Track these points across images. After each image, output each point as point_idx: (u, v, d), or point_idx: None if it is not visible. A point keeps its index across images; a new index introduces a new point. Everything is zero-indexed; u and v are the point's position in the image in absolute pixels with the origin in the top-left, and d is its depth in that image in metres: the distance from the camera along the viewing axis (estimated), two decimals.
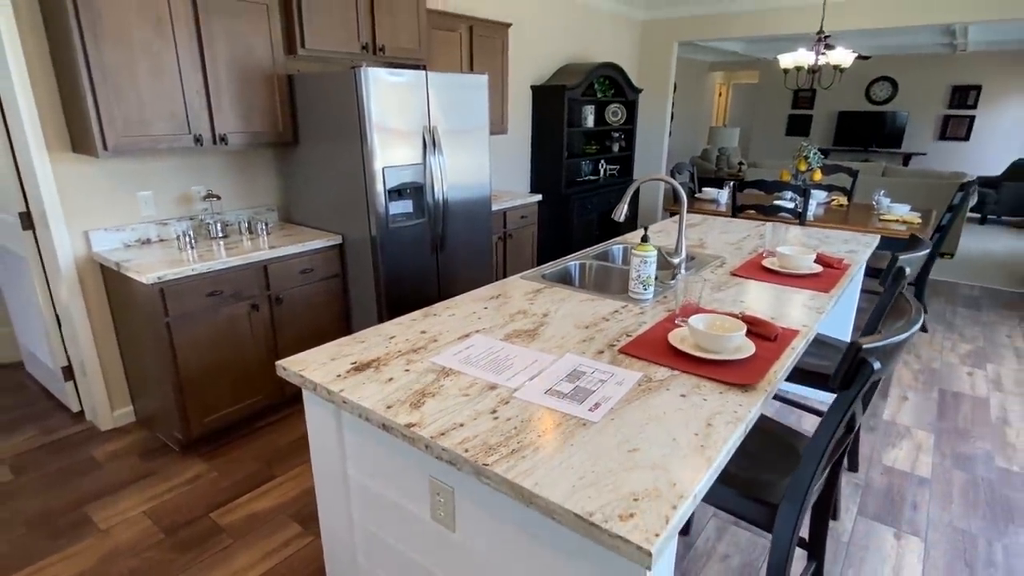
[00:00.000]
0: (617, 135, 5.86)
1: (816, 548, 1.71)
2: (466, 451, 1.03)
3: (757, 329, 1.53)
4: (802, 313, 1.74)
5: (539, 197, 4.33)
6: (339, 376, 1.32)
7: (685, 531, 2.11)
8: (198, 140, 2.54)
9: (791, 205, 3.70)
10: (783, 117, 10.59)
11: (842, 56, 4.57)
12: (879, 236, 2.86)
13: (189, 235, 2.64)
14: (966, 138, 9.05)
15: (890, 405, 3.02)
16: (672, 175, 4.86)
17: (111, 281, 2.59)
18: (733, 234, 2.83)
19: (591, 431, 1.09)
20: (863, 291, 3.55)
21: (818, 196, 4.35)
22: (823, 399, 3.02)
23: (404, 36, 3.22)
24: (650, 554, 0.81)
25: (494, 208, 3.83)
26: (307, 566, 1.95)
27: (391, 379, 1.30)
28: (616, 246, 2.56)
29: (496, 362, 1.38)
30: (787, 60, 4.80)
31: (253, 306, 2.61)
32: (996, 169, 8.84)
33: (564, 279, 2.27)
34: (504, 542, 1.08)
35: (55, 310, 2.70)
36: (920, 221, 3.86)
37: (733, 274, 2.14)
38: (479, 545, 1.13)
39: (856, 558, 2.00)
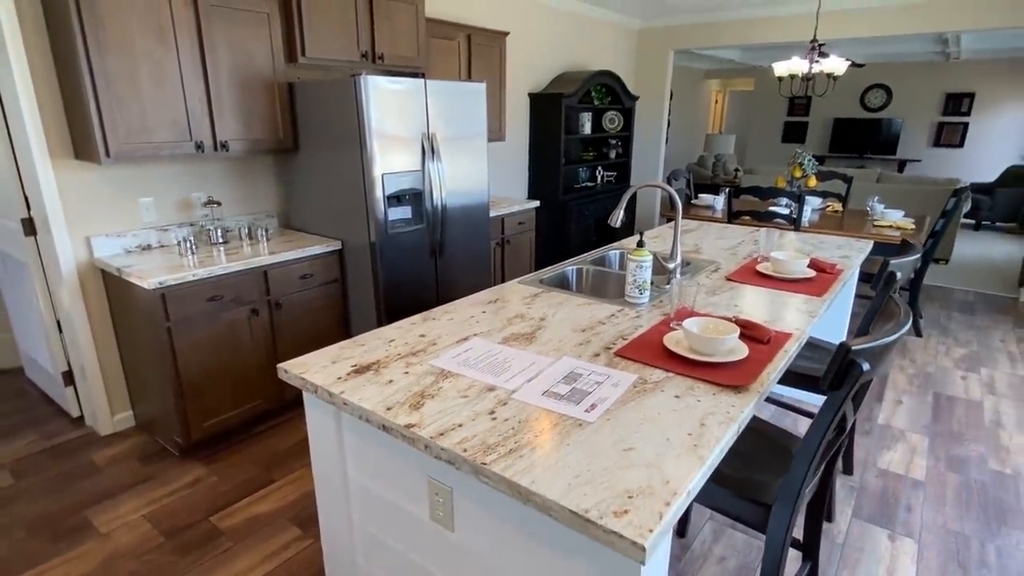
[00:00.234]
0: (614, 142, 5.92)
1: (811, 549, 1.73)
2: (465, 451, 1.05)
3: (750, 332, 1.56)
4: (795, 317, 1.77)
5: (537, 203, 4.36)
6: (339, 378, 1.34)
7: (682, 533, 2.13)
8: (199, 147, 2.57)
9: (786, 211, 3.73)
10: (779, 124, 10.67)
11: (835, 64, 4.62)
12: (872, 242, 2.89)
13: (190, 241, 2.66)
14: (960, 145, 9.13)
15: (885, 409, 3.05)
16: (669, 182, 4.90)
17: (112, 286, 2.61)
18: (728, 240, 2.87)
19: (587, 431, 1.12)
20: (857, 296, 3.58)
21: (813, 202, 4.39)
22: (818, 402, 3.04)
23: (403, 44, 3.26)
24: (644, 549, 0.83)
25: (492, 214, 3.86)
26: (307, 568, 1.96)
27: (391, 381, 1.33)
28: (613, 251, 2.59)
29: (494, 364, 1.41)
30: (781, 68, 4.86)
31: (253, 311, 2.64)
32: (990, 175, 8.91)
33: (561, 284, 2.30)
34: (502, 541, 1.10)
35: (56, 315, 2.71)
36: (914, 227, 3.90)
37: (728, 279, 2.17)
38: (477, 545, 1.15)
39: (851, 559, 2.02)
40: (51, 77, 2.40)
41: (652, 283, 1.92)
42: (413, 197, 2.94)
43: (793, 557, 1.97)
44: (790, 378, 2.11)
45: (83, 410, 2.85)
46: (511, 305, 1.86)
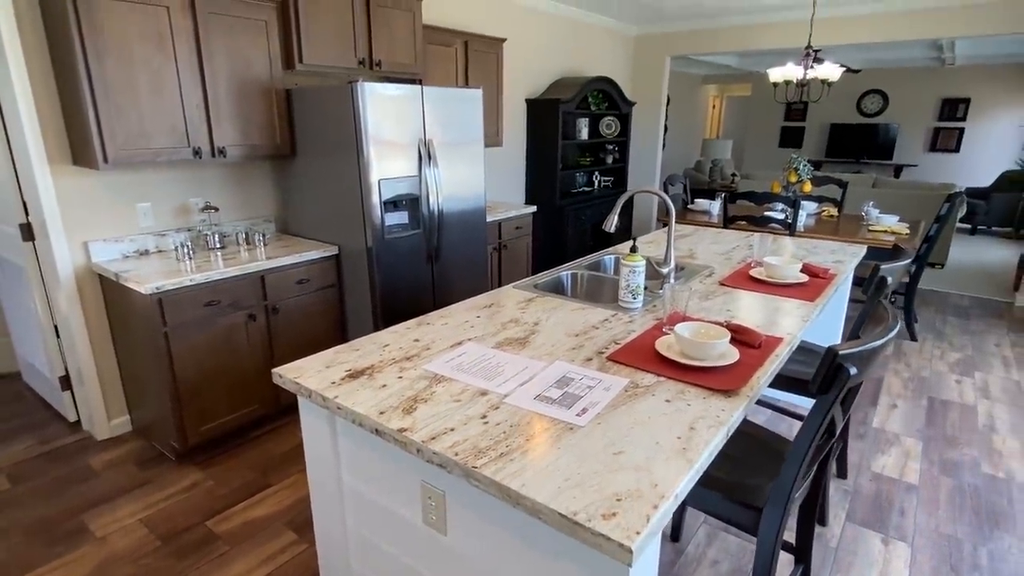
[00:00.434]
0: (611, 147, 5.94)
1: (803, 552, 1.74)
2: (456, 454, 1.06)
3: (741, 337, 1.57)
4: (787, 321, 1.78)
5: (534, 208, 4.38)
6: (334, 383, 1.35)
7: (676, 538, 2.14)
8: (197, 153, 2.59)
9: (782, 216, 3.75)
10: (776, 129, 10.72)
11: (830, 70, 4.66)
12: (866, 247, 2.91)
13: (187, 246, 2.67)
14: (956, 150, 9.18)
15: (879, 413, 3.06)
16: (665, 187, 4.92)
17: (110, 291, 2.62)
18: (723, 245, 2.89)
19: (578, 435, 1.13)
20: (852, 300, 3.60)
21: (808, 207, 4.42)
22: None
23: (400, 51, 3.29)
24: (631, 551, 0.84)
25: (489, 219, 3.88)
26: (302, 572, 1.97)
27: (384, 386, 1.34)
28: (607, 256, 2.61)
29: (487, 369, 1.42)
30: (776, 74, 4.89)
31: (250, 316, 2.65)
32: (986, 180, 8.95)
33: (556, 289, 2.32)
34: (494, 545, 1.11)
35: (53, 320, 2.72)
36: (908, 232, 3.92)
37: (721, 284, 2.19)
38: (469, 548, 1.16)
39: (844, 563, 2.03)
40: (50, 83, 2.41)
41: (646, 288, 1.94)
42: (410, 202, 2.96)
43: (786, 561, 1.98)
44: (784, 382, 2.13)
45: (80, 415, 2.86)
46: (506, 310, 1.88)
